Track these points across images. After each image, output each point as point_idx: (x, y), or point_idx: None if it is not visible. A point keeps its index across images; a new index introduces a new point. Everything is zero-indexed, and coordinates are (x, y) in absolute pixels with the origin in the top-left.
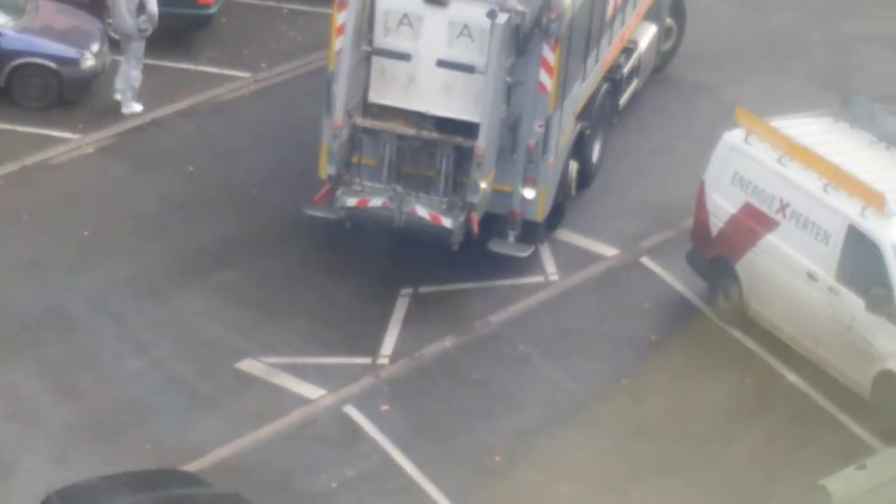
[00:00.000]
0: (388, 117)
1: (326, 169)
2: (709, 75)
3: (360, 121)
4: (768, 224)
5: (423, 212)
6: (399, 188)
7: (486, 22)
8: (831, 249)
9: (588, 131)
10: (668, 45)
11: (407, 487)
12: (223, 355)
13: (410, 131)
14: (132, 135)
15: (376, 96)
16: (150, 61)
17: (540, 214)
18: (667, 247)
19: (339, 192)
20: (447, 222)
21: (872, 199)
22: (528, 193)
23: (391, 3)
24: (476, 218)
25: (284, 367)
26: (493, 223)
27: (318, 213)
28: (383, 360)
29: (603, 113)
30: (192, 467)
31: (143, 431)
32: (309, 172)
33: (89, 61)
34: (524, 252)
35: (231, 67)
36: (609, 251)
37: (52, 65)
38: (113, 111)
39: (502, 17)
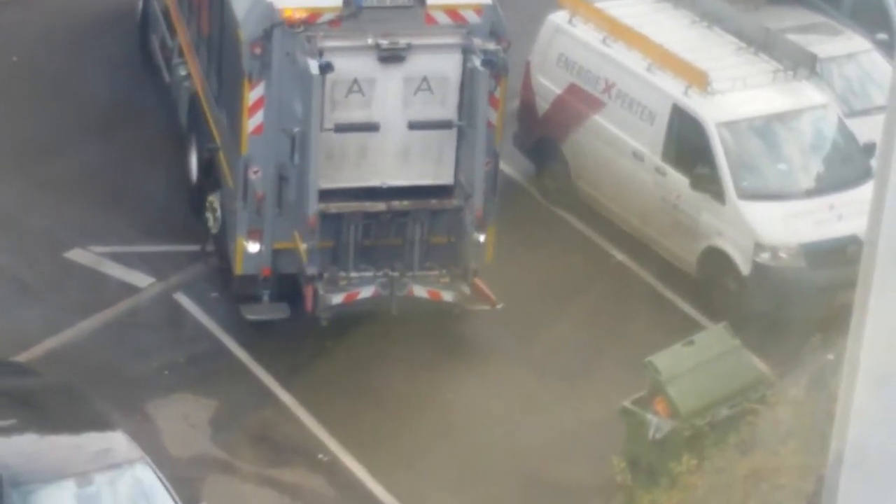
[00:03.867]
0: (339, 196)
1: (307, 268)
2: None
3: (324, 206)
4: (594, 105)
5: (421, 291)
6: (390, 271)
7: (446, 70)
8: (656, 129)
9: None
10: None
11: (235, 369)
12: (50, 246)
13: (381, 207)
14: None
15: (327, 181)
16: None
17: (489, 257)
18: None
19: (321, 292)
20: (448, 296)
21: (695, 78)
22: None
23: (338, 72)
24: (482, 283)
25: (113, 256)
26: None
27: (262, 317)
28: (212, 248)
29: None
30: (21, 358)
31: None
32: (132, 63)
33: None
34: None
35: None
36: None
37: None
38: None
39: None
